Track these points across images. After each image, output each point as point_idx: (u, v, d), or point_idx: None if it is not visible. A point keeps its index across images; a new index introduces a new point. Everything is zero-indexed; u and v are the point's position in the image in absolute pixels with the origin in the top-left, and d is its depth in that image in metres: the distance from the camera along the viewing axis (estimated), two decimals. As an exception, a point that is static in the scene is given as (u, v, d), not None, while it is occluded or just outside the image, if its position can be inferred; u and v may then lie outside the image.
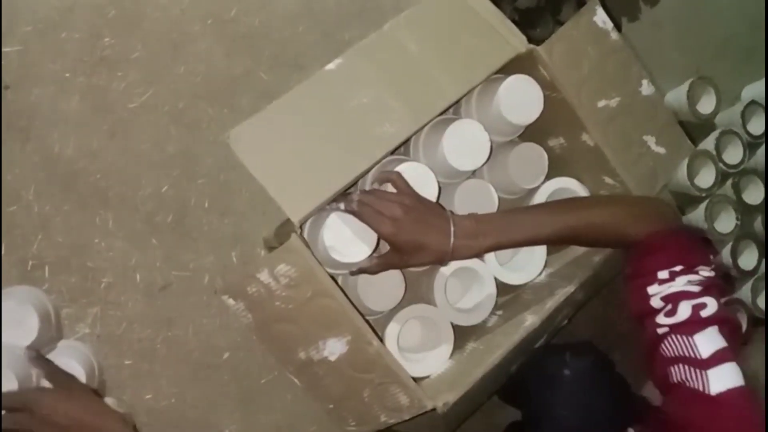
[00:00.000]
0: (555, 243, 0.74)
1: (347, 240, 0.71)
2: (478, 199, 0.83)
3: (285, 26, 1.01)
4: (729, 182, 1.26)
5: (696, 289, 0.62)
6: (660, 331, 0.62)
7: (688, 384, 0.58)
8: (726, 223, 1.23)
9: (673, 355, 0.60)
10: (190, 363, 0.93)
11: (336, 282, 0.69)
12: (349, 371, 0.72)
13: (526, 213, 0.75)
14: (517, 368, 0.90)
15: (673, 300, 0.62)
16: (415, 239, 0.70)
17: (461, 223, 0.71)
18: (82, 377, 0.81)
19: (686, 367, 0.59)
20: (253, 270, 0.70)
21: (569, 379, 0.84)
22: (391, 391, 0.71)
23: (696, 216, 1.24)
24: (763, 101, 1.30)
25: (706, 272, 0.63)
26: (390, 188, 0.74)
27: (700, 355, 0.58)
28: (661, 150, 0.85)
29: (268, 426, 0.96)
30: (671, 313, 0.61)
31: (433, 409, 0.69)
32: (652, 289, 0.64)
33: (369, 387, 0.72)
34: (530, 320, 0.76)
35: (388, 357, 0.69)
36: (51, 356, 0.82)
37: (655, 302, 0.63)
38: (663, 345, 0.61)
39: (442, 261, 0.72)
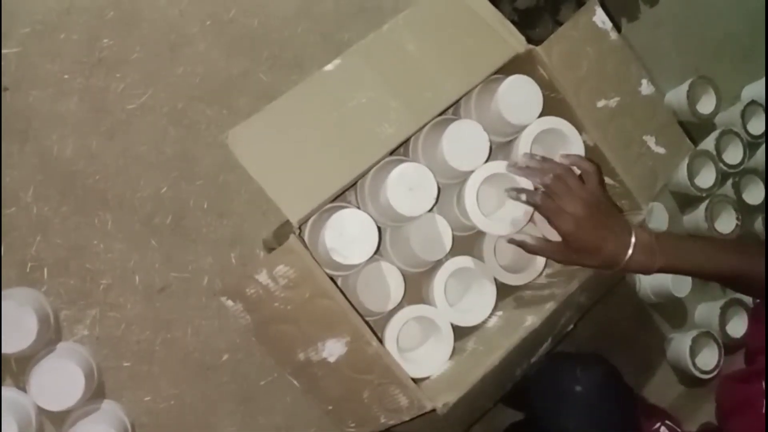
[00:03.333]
0: (714, 280, 0.74)
1: (348, 242, 0.71)
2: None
3: (284, 27, 1.01)
4: (729, 182, 1.26)
5: None
6: None
7: None
8: (726, 223, 1.23)
9: None
10: (189, 365, 0.93)
11: (335, 283, 0.69)
12: (348, 372, 0.71)
13: (704, 242, 0.74)
14: (523, 375, 0.90)
15: None
16: (593, 242, 0.68)
17: (641, 236, 0.70)
18: (81, 379, 0.81)
19: None
20: (252, 271, 0.70)
21: (581, 395, 0.83)
22: (390, 392, 0.70)
23: (696, 216, 1.24)
24: (762, 101, 1.30)
25: None
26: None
27: None
28: (661, 150, 0.85)
29: (268, 427, 0.96)
30: None
31: (433, 410, 0.69)
32: None
33: (368, 388, 0.71)
34: (530, 321, 0.76)
35: (388, 358, 0.69)
36: (50, 358, 0.82)
37: None
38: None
39: (612, 268, 0.70)
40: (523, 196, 0.71)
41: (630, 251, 0.69)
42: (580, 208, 0.68)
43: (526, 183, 0.74)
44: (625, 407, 0.86)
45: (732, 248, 0.73)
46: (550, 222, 0.69)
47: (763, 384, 0.64)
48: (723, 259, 0.71)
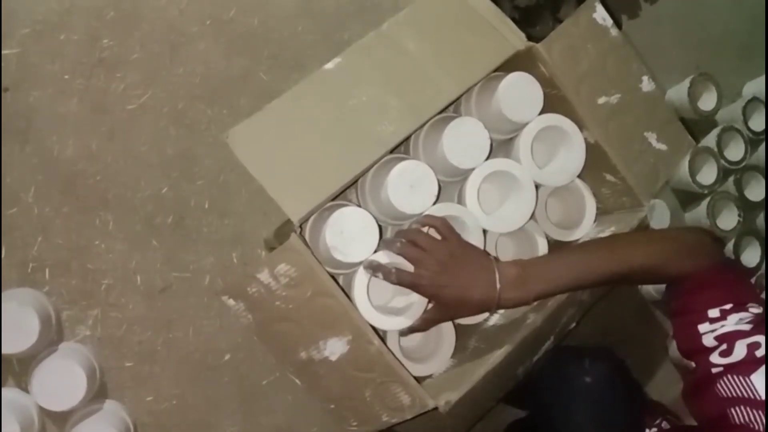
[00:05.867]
0: (601, 285, 0.71)
1: (349, 239, 0.71)
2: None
3: (284, 26, 1.01)
4: (731, 179, 1.26)
5: (747, 327, 0.62)
6: (714, 370, 0.62)
7: (752, 427, 0.58)
8: (728, 219, 1.22)
9: (730, 395, 0.60)
10: (190, 364, 0.93)
11: (336, 281, 0.69)
12: (350, 371, 0.71)
13: (571, 256, 0.71)
14: (528, 371, 0.89)
15: (728, 340, 0.62)
16: (459, 295, 0.68)
17: (506, 272, 0.68)
18: (83, 379, 0.81)
19: (748, 409, 0.59)
20: (253, 270, 0.70)
21: (590, 387, 0.82)
22: (392, 391, 0.70)
23: (698, 213, 1.24)
24: (764, 97, 1.29)
25: (755, 309, 0.64)
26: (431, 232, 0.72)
27: (760, 397, 0.59)
28: (663, 147, 0.85)
29: (269, 427, 0.96)
30: (727, 353, 0.61)
31: (435, 408, 0.69)
32: (703, 327, 0.64)
33: (370, 386, 0.71)
34: (532, 318, 0.76)
35: (389, 356, 0.69)
36: (51, 358, 0.82)
37: (708, 341, 0.63)
38: (718, 384, 0.61)
39: (490, 311, 0.70)
40: (380, 274, 0.70)
41: (498, 290, 0.67)
42: (432, 267, 0.68)
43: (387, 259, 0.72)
44: (631, 400, 0.86)
45: (611, 247, 0.71)
46: (414, 291, 0.70)
47: (721, 389, 0.62)
48: (603, 264, 0.68)
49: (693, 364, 0.66)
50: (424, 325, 0.73)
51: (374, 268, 0.71)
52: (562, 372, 0.84)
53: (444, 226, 0.72)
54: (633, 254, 0.69)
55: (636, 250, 0.70)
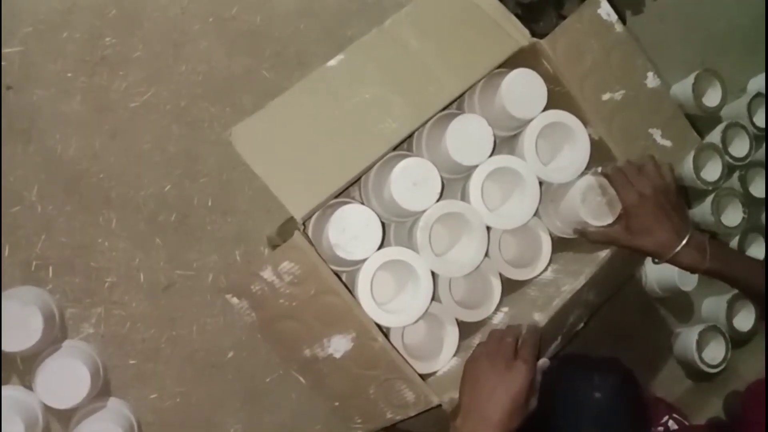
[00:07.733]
0: (758, 297, 0.73)
1: (352, 237, 0.71)
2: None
3: (286, 24, 1.01)
4: (736, 175, 1.25)
5: None
6: None
7: None
8: (733, 216, 1.22)
9: None
10: (194, 362, 0.93)
11: (340, 278, 0.69)
12: (354, 368, 0.71)
13: (749, 258, 0.76)
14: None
15: None
16: (650, 223, 0.71)
17: (697, 235, 0.71)
18: (87, 377, 0.81)
19: None
20: (257, 268, 0.70)
21: (599, 402, 0.83)
22: (396, 388, 0.70)
23: (703, 210, 1.23)
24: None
25: None
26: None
27: None
28: (667, 143, 0.85)
29: (273, 425, 0.96)
30: None
31: (439, 406, 0.69)
32: None
33: (374, 384, 0.71)
34: (537, 318, 0.76)
35: (394, 353, 0.69)
36: (55, 356, 0.82)
37: None
38: None
39: (661, 256, 0.71)
40: (600, 168, 0.76)
41: (683, 243, 0.70)
42: (647, 187, 0.71)
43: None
44: (639, 413, 0.86)
45: None
46: (618, 193, 0.73)
47: None
48: None
49: None
50: (596, 236, 0.75)
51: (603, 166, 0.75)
52: (571, 386, 0.84)
53: (671, 168, 0.75)
54: None
55: None
